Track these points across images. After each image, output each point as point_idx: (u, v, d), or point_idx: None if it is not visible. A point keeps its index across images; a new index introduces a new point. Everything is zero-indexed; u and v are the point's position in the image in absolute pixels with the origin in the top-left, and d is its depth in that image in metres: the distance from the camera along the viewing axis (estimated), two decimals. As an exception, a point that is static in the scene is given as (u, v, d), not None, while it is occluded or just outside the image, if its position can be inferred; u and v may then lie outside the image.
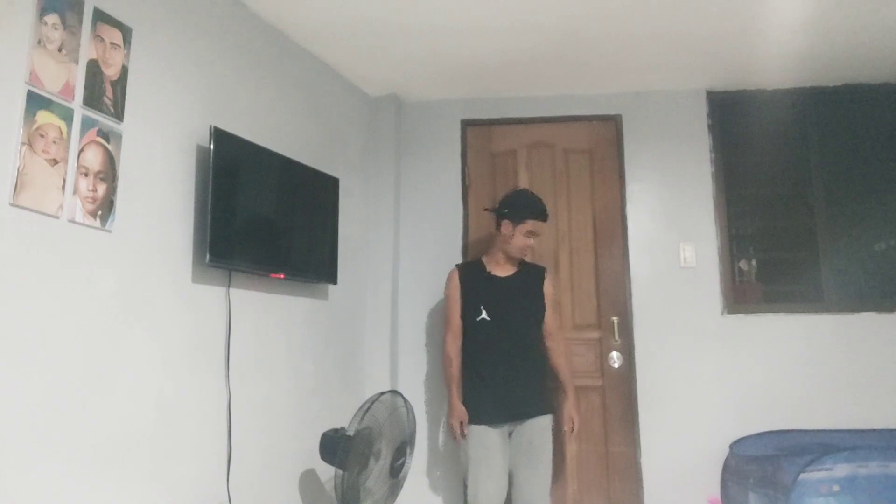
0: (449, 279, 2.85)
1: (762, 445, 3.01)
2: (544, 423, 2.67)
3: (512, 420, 2.66)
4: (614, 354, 3.25)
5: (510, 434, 2.67)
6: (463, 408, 2.68)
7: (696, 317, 3.25)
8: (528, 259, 2.83)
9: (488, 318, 2.70)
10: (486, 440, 2.60)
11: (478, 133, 3.57)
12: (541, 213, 2.72)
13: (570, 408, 2.78)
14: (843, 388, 3.13)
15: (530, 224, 2.69)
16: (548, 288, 2.83)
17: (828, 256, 3.27)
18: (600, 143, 3.49)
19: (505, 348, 2.68)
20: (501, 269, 2.79)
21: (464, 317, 2.76)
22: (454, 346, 2.77)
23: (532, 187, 3.32)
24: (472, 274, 2.82)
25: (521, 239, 2.71)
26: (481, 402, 2.67)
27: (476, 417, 2.65)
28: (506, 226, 2.72)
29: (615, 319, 3.29)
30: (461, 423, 2.66)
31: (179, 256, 2.21)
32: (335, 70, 3.25)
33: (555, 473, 2.77)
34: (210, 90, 2.41)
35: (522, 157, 3.52)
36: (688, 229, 3.35)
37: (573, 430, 2.77)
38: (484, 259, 2.85)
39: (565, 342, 2.87)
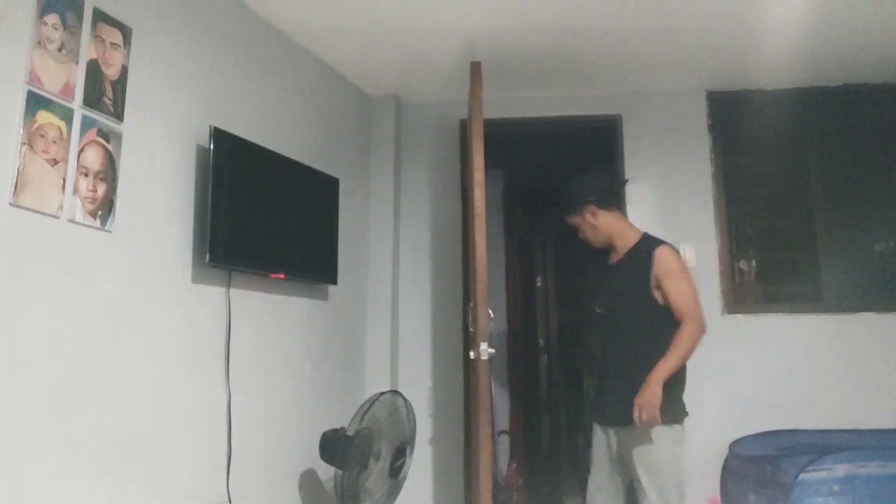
0: None
1: (762, 445, 3.01)
2: (642, 434, 2.23)
3: (609, 423, 2.37)
4: None
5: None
6: None
7: (696, 317, 3.25)
8: (618, 242, 2.40)
9: (600, 312, 2.48)
10: (596, 439, 2.45)
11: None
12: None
13: (642, 390, 2.16)
14: (843, 388, 3.12)
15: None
16: (659, 267, 2.25)
17: (827, 257, 3.27)
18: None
19: (611, 345, 2.43)
20: (615, 253, 2.44)
21: None
22: None
23: None
24: (596, 261, 2.59)
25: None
26: (595, 398, 2.58)
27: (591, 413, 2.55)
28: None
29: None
30: None
31: (179, 256, 2.21)
32: (335, 70, 3.25)
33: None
34: (210, 90, 2.41)
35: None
36: (688, 229, 3.34)
37: (640, 417, 2.14)
38: None
39: (693, 325, 2.20)
